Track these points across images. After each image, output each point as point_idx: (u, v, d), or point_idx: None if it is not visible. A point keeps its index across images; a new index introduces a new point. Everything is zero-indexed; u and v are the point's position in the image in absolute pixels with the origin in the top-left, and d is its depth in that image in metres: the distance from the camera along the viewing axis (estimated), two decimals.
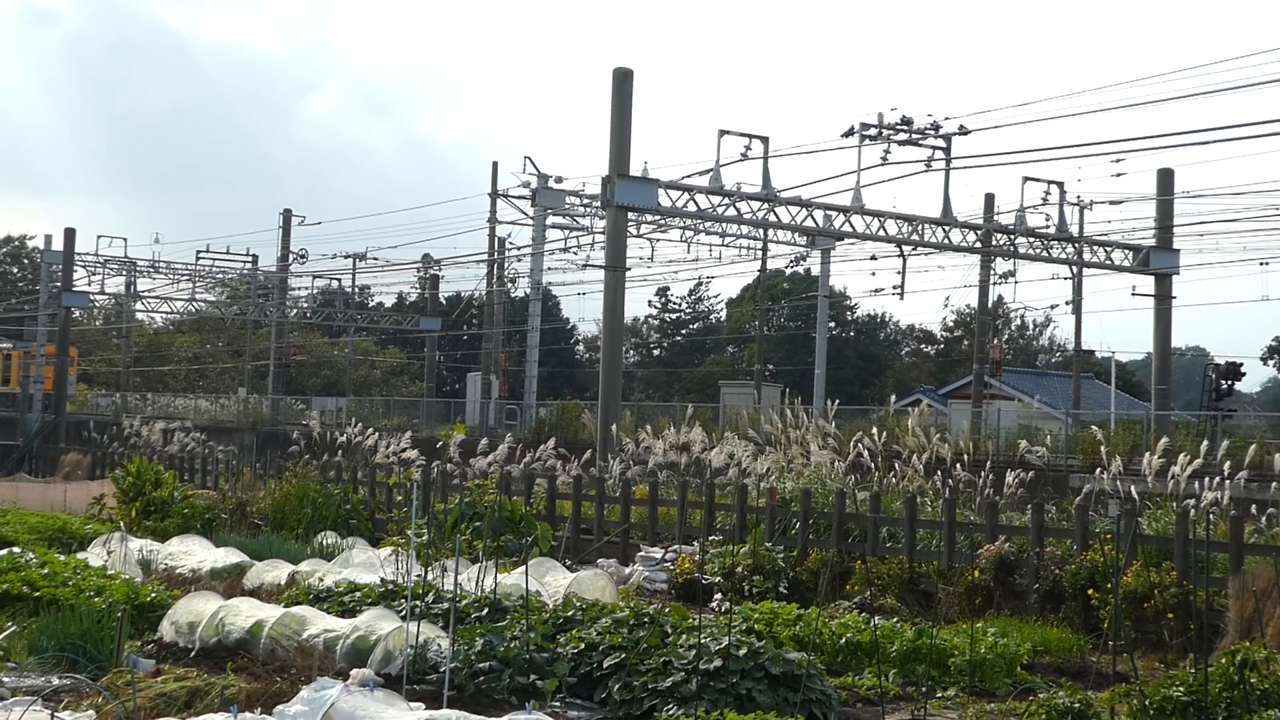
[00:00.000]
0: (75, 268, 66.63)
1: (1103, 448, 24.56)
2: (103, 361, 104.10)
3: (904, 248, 43.01)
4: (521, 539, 19.57)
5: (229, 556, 20.97)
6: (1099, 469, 23.73)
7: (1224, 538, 18.00)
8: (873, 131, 40.07)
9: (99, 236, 71.55)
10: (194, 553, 21.63)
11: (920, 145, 40.63)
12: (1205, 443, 23.39)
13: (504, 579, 17.28)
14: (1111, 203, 45.36)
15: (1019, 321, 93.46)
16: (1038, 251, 44.17)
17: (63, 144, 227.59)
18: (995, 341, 60.24)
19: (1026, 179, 42.62)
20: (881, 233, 41.27)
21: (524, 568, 16.73)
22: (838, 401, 31.32)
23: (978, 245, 43.98)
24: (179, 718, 10.88)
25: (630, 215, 39.10)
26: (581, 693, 12.72)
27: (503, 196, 57.57)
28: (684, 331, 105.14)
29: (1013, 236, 43.32)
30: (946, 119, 40.31)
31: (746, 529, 22.70)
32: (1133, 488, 22.39)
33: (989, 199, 46.47)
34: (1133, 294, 46.04)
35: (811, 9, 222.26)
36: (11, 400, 71.12)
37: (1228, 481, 20.84)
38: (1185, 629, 16.10)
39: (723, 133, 38.13)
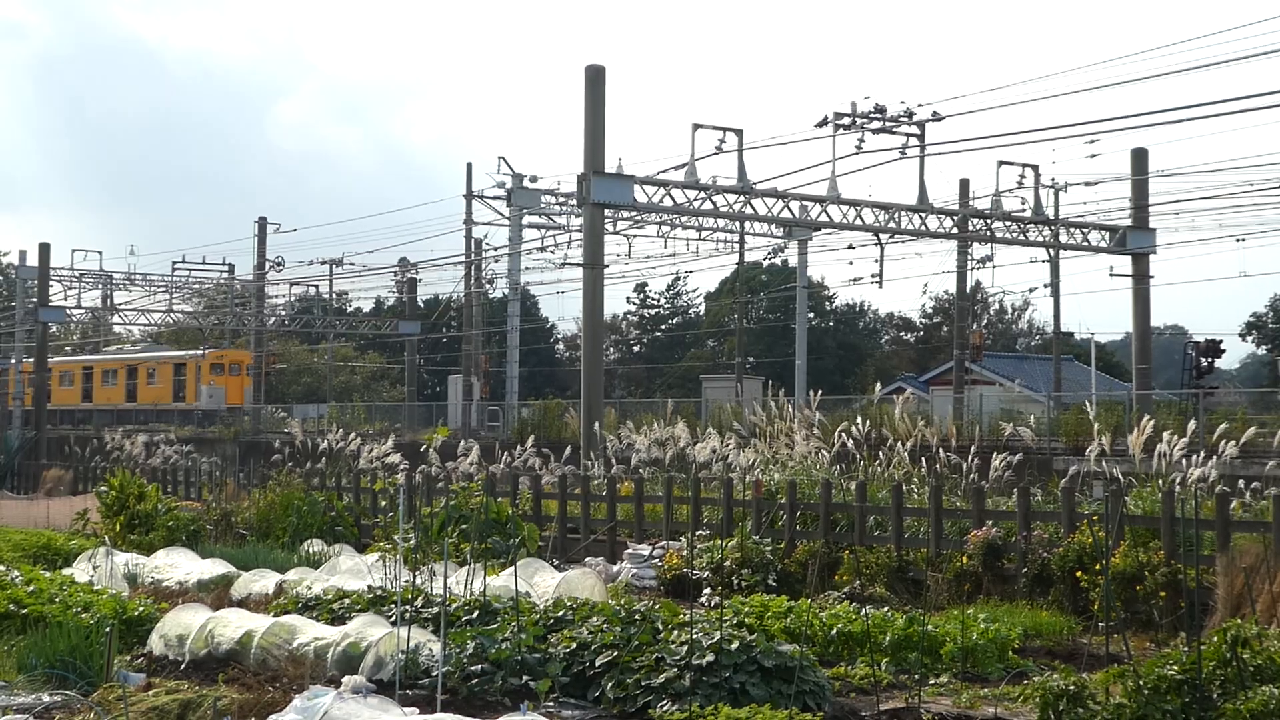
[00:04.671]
0: (50, 282, 66.45)
1: (1096, 427, 24.56)
2: None
3: (881, 236, 43.06)
4: (509, 540, 19.57)
5: (215, 568, 20.89)
6: (1084, 450, 23.74)
7: (1211, 515, 18.05)
8: (846, 120, 40.09)
9: (74, 250, 71.49)
10: (180, 565, 21.54)
11: (894, 133, 40.68)
12: (1192, 422, 23.42)
13: (493, 581, 17.24)
14: (1087, 184, 45.62)
15: (998, 306, 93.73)
16: (1014, 235, 44.30)
17: (35, 158, 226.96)
18: (975, 326, 60.32)
19: (1001, 163, 42.78)
20: (858, 221, 41.36)
21: (513, 569, 16.69)
22: (820, 392, 31.33)
23: (954, 231, 44.08)
24: None
25: (607, 212, 39.08)
26: (575, 692, 12.69)
27: (478, 197, 57.44)
28: (664, 327, 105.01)
29: (989, 221, 43.44)
30: (920, 106, 40.45)
31: (733, 523, 22.66)
32: (1116, 468, 22.43)
33: (964, 184, 46.59)
34: (1110, 274, 46.22)
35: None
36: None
37: (1215, 458, 20.86)
38: (1175, 608, 16.12)
39: (696, 126, 38.16)
